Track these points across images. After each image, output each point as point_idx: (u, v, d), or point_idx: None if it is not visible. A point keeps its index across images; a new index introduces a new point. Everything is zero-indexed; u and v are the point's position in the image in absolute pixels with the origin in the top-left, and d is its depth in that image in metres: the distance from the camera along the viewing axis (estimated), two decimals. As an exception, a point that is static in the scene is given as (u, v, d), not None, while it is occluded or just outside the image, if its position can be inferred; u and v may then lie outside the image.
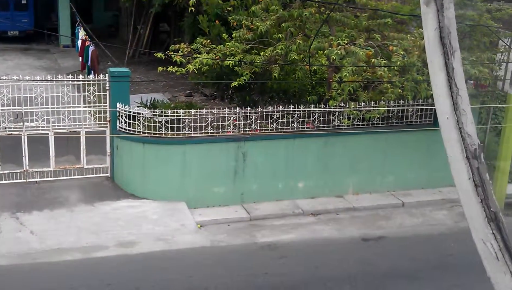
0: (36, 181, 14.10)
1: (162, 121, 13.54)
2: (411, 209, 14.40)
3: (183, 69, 14.12)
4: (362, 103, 14.19)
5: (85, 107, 14.16)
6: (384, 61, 13.11)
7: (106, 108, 14.10)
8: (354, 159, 14.71)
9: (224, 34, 15.50)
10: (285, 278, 11.17)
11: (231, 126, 13.87)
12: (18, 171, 14.00)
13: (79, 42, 22.29)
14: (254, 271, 11.35)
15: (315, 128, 14.32)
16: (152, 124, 13.60)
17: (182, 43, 14.87)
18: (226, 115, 13.84)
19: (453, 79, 4.11)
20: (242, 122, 13.91)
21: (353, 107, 14.10)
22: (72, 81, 14.28)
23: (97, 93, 14.06)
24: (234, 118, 13.89)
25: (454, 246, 12.52)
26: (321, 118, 14.31)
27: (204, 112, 13.74)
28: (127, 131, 13.84)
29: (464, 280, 11.13)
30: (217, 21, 16.87)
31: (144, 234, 12.30)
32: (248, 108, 13.99)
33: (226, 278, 11.01)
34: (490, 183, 4.10)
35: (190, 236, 12.44)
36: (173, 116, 13.51)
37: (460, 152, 4.13)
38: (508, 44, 16.04)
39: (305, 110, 14.15)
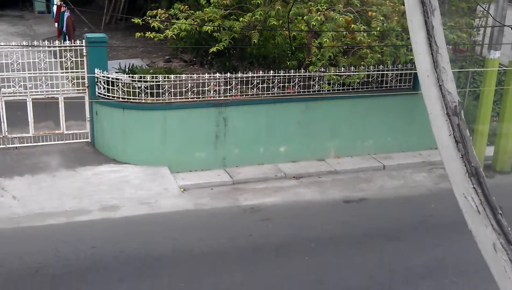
0: (16, 147, 13.96)
1: (141, 86, 13.45)
2: (392, 171, 14.60)
3: (161, 35, 14.00)
4: (342, 68, 14.24)
5: (63, 73, 13.98)
6: (363, 27, 13.14)
7: (84, 74, 13.94)
8: (335, 123, 14.80)
9: (202, 0, 15.35)
10: (268, 240, 11.29)
11: (211, 92, 13.83)
12: (-3, 137, 13.85)
13: (54, 8, 21.92)
14: (238, 233, 11.45)
15: (296, 93, 14.35)
16: (131, 90, 13.51)
17: (159, 9, 14.72)
18: (206, 80, 13.79)
19: (433, 37, 4.13)
20: (222, 87, 13.87)
21: (333, 72, 14.15)
22: (48, 47, 14.06)
23: (74, 59, 13.89)
24: (214, 84, 13.85)
25: (434, 207, 12.76)
26: (302, 83, 14.34)
27: (183, 78, 13.66)
28: (106, 97, 13.72)
29: (444, 240, 11.38)
30: (195, -14, 16.69)
31: (127, 199, 12.31)
32: (228, 74, 13.95)
33: (210, 241, 11.10)
34: (470, 139, 4.17)
35: (173, 200, 12.47)
36: (153, 81, 13.42)
37: (440, 109, 4.16)
38: (486, 9, 16.16)
39: (285, 75, 14.16)
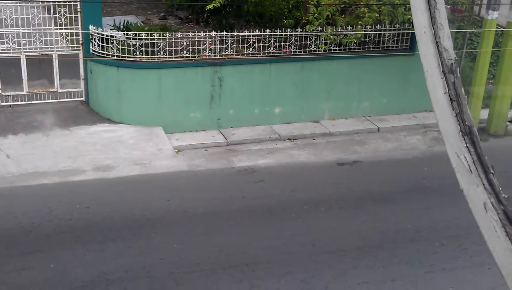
0: (10, 105, 13.89)
1: (136, 44, 13.31)
2: (386, 134, 14.58)
3: (157, -9, 13.80)
4: (339, 28, 14.09)
5: (57, 29, 13.82)
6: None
7: (78, 31, 13.79)
8: (331, 84, 14.71)
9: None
10: (262, 201, 11.34)
11: (207, 50, 13.70)
12: (-10, 95, 13.78)
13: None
14: (232, 194, 11.49)
15: (292, 53, 14.23)
16: (126, 47, 13.37)
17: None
18: (202, 39, 13.65)
19: (431, -8, 4.07)
20: (218, 46, 13.74)
21: (330, 32, 14.01)
22: (42, 2, 13.86)
23: (68, 15, 13.71)
24: (210, 42, 13.71)
25: (427, 170, 12.79)
26: (298, 43, 14.20)
27: (179, 36, 13.51)
28: (100, 54, 13.60)
29: (437, 202, 11.43)
30: None
31: (121, 159, 12.31)
32: (224, 32, 13.80)
33: (203, 201, 11.15)
34: (465, 97, 4.16)
35: (167, 160, 12.48)
36: (148, 39, 13.27)
37: (436, 66, 4.13)
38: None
39: (282, 34, 14.01)
